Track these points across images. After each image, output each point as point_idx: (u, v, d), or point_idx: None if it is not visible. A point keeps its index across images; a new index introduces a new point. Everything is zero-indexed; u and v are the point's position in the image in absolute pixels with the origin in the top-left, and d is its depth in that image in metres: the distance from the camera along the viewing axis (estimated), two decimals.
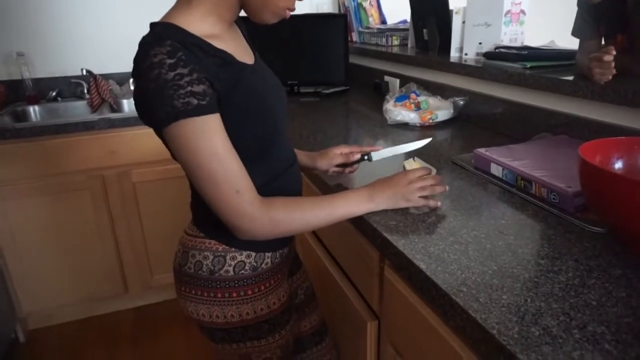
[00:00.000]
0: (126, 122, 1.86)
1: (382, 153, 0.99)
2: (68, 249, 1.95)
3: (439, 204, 0.86)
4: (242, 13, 0.79)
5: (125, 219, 2.00)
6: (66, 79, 2.24)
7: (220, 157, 0.68)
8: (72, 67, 2.23)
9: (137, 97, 0.68)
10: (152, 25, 0.70)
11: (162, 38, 0.65)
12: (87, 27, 2.22)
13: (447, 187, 0.86)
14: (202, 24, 0.71)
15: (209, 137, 0.67)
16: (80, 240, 1.96)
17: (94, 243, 1.98)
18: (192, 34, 0.69)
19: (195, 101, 0.65)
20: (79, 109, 2.20)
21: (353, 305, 1.02)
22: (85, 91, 2.23)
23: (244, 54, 0.79)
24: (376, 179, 0.85)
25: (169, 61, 0.64)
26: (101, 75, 2.19)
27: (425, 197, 0.84)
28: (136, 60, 0.66)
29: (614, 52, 1.01)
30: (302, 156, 1.03)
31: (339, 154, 1.01)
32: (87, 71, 2.16)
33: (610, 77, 1.03)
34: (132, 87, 2.25)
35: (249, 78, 0.76)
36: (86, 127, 1.82)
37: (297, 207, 0.76)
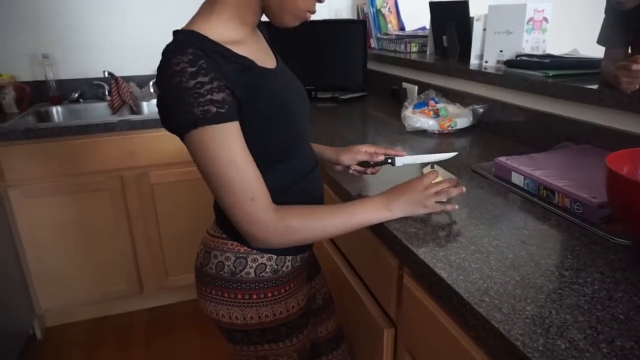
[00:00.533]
0: (146, 124, 1.88)
1: (406, 159, 0.99)
2: (86, 248, 1.98)
3: (456, 207, 0.84)
4: (264, 17, 0.80)
5: (143, 220, 2.02)
6: (88, 81, 2.28)
7: (238, 165, 0.69)
8: (94, 69, 2.27)
9: (160, 104, 0.70)
10: (175, 33, 0.71)
11: (184, 46, 0.66)
12: (110, 30, 2.26)
13: (464, 189, 0.84)
14: (224, 30, 0.72)
15: (227, 144, 0.68)
16: (97, 240, 1.98)
17: (111, 243, 2.00)
18: (213, 41, 0.69)
19: (214, 109, 0.66)
20: (99, 110, 2.24)
21: (370, 312, 1.01)
22: (107, 93, 2.27)
23: (265, 58, 0.80)
24: (392, 186, 0.84)
25: (190, 70, 0.65)
26: (122, 77, 2.22)
27: (442, 202, 0.83)
28: (159, 68, 0.68)
29: None
30: (326, 150, 1.03)
31: (363, 151, 1.00)
32: (109, 73, 2.20)
33: (638, 86, 1.02)
34: (152, 90, 2.29)
35: (270, 83, 0.76)
36: (107, 128, 1.85)
37: (313, 215, 0.76)
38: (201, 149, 0.68)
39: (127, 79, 2.28)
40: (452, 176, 0.98)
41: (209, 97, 0.66)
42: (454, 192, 0.83)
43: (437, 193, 0.82)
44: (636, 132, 1.05)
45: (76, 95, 2.24)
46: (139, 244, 2.05)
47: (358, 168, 1.01)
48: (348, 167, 1.02)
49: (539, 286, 0.65)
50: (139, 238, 2.04)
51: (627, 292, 0.63)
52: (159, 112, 0.71)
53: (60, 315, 2.12)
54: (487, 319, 0.58)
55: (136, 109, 2.20)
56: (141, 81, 2.32)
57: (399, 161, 0.98)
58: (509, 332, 0.55)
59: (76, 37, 2.22)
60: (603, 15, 1.31)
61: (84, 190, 1.90)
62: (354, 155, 1.00)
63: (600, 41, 1.31)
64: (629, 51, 1.28)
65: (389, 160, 0.98)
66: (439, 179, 0.86)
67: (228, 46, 0.71)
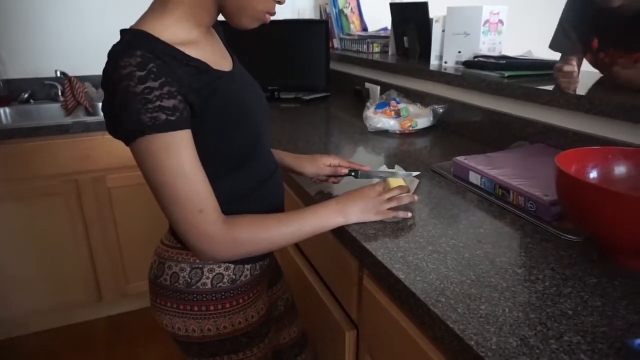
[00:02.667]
0: (102, 126, 1.81)
1: (370, 174, 0.99)
2: (40, 256, 1.89)
3: (410, 214, 0.85)
4: (221, 17, 0.78)
5: (101, 225, 1.95)
6: (40, 81, 2.18)
7: (186, 175, 0.65)
8: (46, 69, 2.17)
9: (105, 108, 0.65)
10: (123, 32, 0.66)
11: (133, 48, 0.62)
12: (62, 28, 2.17)
13: (417, 197, 0.87)
14: (177, 30, 0.69)
15: (176, 153, 0.64)
16: (53, 247, 1.90)
17: (67, 249, 1.92)
18: (165, 43, 0.66)
19: (163, 117, 0.62)
20: (53, 112, 2.14)
21: (332, 314, 1.01)
22: (60, 94, 2.17)
23: (221, 60, 0.77)
24: (346, 192, 0.84)
25: (139, 74, 0.61)
26: (77, 77, 2.13)
27: (395, 209, 0.84)
28: (105, 71, 0.63)
29: (575, 64, 1.03)
30: (288, 157, 1.01)
31: (328, 165, 0.99)
32: (62, 73, 2.11)
33: (576, 86, 1.05)
34: None
35: (227, 86, 0.73)
36: (60, 130, 1.77)
37: (263, 226, 0.73)
38: (148, 158, 0.64)
39: (83, 79, 2.19)
40: (415, 176, 0.99)
41: (158, 103, 0.62)
42: (406, 200, 0.84)
43: (389, 200, 0.83)
44: (586, 132, 1.08)
45: (26, 95, 2.13)
46: (97, 250, 1.98)
47: (321, 178, 1.02)
48: (311, 178, 1.02)
49: (494, 285, 0.66)
50: (97, 244, 1.97)
51: (575, 287, 0.65)
52: (105, 116, 0.66)
53: (14, 327, 2.02)
54: (443, 319, 0.59)
55: (92, 110, 2.12)
56: (97, 81, 2.24)
57: (363, 175, 0.99)
58: (464, 332, 0.56)
59: (26, 35, 2.12)
60: (555, 19, 1.35)
61: (37, 195, 1.82)
62: (318, 171, 1.00)
63: (553, 47, 1.35)
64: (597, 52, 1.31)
65: (352, 174, 0.99)
66: (399, 183, 0.87)
67: (181, 48, 0.67)
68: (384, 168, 1.09)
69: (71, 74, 2.13)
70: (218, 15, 0.75)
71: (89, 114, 2.10)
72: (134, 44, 0.63)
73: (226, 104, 0.73)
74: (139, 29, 0.66)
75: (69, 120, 1.82)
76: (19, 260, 1.87)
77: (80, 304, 2.03)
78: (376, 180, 0.96)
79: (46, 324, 2.06)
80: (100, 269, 2.01)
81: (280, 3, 0.75)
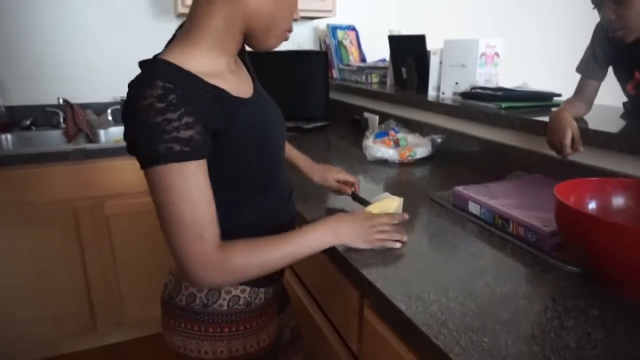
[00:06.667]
0: (102, 153, 1.82)
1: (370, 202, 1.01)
2: (34, 282, 1.86)
3: (398, 245, 0.87)
4: None
5: (97, 252, 1.93)
6: (42, 108, 2.20)
7: (193, 201, 0.66)
8: (48, 96, 2.19)
9: (126, 135, 0.68)
10: (145, 62, 0.68)
11: (154, 79, 0.64)
12: (66, 57, 2.20)
13: (406, 239, 0.89)
14: (202, 60, 0.71)
15: (185, 181, 0.66)
16: (47, 274, 1.87)
17: (62, 277, 1.89)
18: (186, 72, 0.67)
19: (177, 147, 0.64)
20: (53, 138, 2.15)
21: (332, 345, 0.99)
22: (61, 120, 2.19)
23: (242, 87, 0.78)
24: (339, 214, 0.86)
25: (159, 105, 0.63)
26: (78, 104, 2.16)
27: (383, 240, 0.86)
28: (127, 101, 0.65)
29: (569, 143, 1.03)
30: (301, 160, 1.09)
31: (336, 179, 1.08)
32: (64, 100, 2.13)
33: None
34: (110, 118, 2.23)
35: (245, 113, 0.75)
36: (60, 157, 1.77)
37: (257, 251, 0.73)
38: (158, 183, 0.66)
39: (84, 106, 2.21)
40: (399, 199, 1.00)
41: (174, 134, 0.64)
42: (396, 236, 0.87)
43: (380, 232, 0.85)
44: (582, 162, 1.10)
45: (28, 122, 2.15)
46: (93, 277, 1.95)
47: (326, 188, 1.11)
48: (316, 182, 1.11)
49: (496, 316, 0.65)
50: (93, 271, 1.94)
51: (578, 319, 0.64)
52: (125, 141, 0.68)
53: (6, 357, 1.97)
54: (445, 352, 0.58)
55: (93, 137, 2.14)
56: (99, 108, 2.26)
57: (357, 199, 1.07)
58: None
59: (30, 63, 2.15)
60: (547, 52, 1.38)
61: (34, 222, 1.80)
62: (325, 182, 1.09)
63: (580, 70, 1.37)
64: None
65: (351, 195, 1.07)
66: (387, 220, 0.89)
67: (202, 77, 0.69)
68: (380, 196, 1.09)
69: (73, 101, 2.15)
70: (242, 42, 0.77)
71: (89, 140, 2.11)
72: (155, 74, 0.65)
73: (246, 131, 0.74)
74: (162, 58, 0.68)
75: (68, 147, 1.83)
76: (11, 287, 1.83)
77: (74, 333, 1.99)
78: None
79: (39, 353, 2.01)
80: (96, 296, 1.98)
81: (296, 20, 0.79)
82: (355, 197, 1.07)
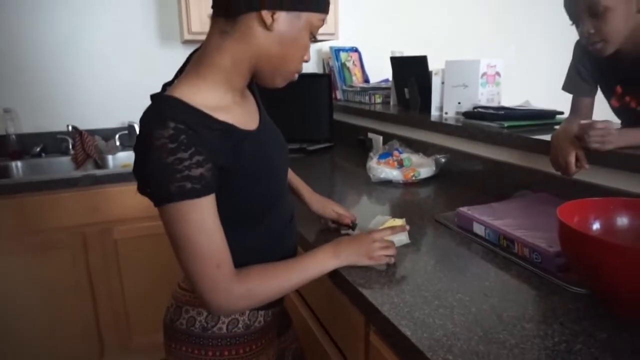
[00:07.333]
0: (110, 179, 1.85)
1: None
2: (43, 308, 1.87)
3: (393, 260, 0.89)
4: None
5: (106, 277, 1.94)
6: (51, 135, 2.25)
7: (208, 232, 0.69)
8: (58, 123, 2.24)
9: (137, 170, 0.70)
10: (156, 98, 0.70)
11: (166, 119, 0.65)
12: (73, 83, 2.25)
13: (395, 254, 0.90)
14: (209, 95, 0.72)
15: (200, 215, 0.68)
16: (56, 299, 1.88)
17: (70, 302, 1.90)
18: (195, 109, 0.69)
19: (189, 185, 0.66)
20: (62, 165, 2.19)
21: None
22: (70, 147, 2.23)
23: (248, 119, 0.79)
24: (340, 238, 0.88)
25: (170, 146, 0.65)
26: (87, 131, 2.20)
27: (387, 256, 0.88)
28: (139, 138, 0.68)
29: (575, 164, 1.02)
30: (302, 187, 1.10)
31: (334, 212, 1.08)
32: (73, 127, 2.17)
33: (613, 145, 1.01)
34: (117, 143, 2.27)
35: (251, 145, 0.76)
36: (69, 184, 1.80)
37: (272, 275, 0.76)
38: (172, 219, 0.68)
39: (93, 132, 2.25)
40: (404, 225, 1.00)
41: (186, 173, 0.66)
42: (392, 251, 0.89)
43: (382, 247, 0.87)
44: (586, 181, 1.10)
45: (38, 149, 2.19)
46: (101, 303, 1.96)
47: (324, 218, 1.10)
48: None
49: (502, 341, 0.65)
50: (101, 296, 1.95)
51: (586, 343, 0.64)
52: (135, 176, 0.71)
53: None
54: None
55: (101, 163, 2.17)
56: (107, 134, 2.30)
57: (358, 230, 1.06)
58: None
59: (40, 91, 2.20)
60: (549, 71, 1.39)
61: (44, 249, 1.82)
62: (323, 211, 1.08)
63: (567, 88, 1.37)
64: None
65: (350, 227, 1.07)
66: (387, 232, 0.91)
67: (211, 112, 0.70)
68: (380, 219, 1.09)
69: (81, 127, 2.19)
70: (250, 78, 0.79)
71: (97, 166, 2.14)
72: (166, 114, 0.66)
73: (251, 163, 0.76)
74: (171, 95, 0.70)
75: (77, 174, 1.85)
76: (21, 311, 1.84)
77: (82, 358, 1.98)
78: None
79: None
80: (104, 322, 1.98)
81: (306, 61, 0.80)
82: (355, 227, 1.06)
